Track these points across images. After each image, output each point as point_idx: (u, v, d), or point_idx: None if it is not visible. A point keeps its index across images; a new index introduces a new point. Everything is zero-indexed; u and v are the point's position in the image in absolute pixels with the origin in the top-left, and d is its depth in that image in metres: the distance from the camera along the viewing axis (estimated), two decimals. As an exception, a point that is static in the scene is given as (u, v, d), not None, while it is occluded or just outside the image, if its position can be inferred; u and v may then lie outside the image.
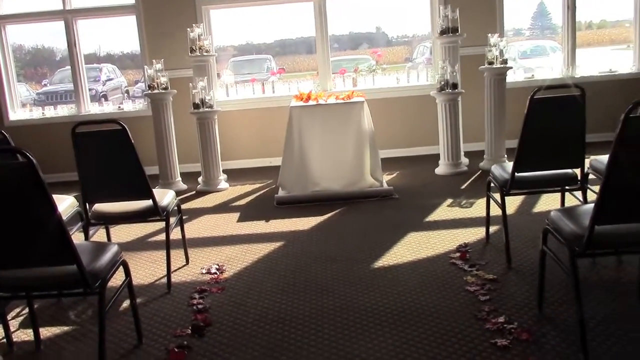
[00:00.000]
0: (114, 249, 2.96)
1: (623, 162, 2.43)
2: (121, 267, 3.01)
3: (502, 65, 6.38)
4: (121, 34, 9.11)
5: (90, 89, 9.97)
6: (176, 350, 3.02)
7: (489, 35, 6.49)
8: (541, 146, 3.65)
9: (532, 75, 7.71)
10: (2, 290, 2.75)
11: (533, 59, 9.85)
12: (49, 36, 9.04)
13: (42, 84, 11.07)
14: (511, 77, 7.16)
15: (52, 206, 2.46)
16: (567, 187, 3.97)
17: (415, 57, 10.16)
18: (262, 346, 3.03)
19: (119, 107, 7.86)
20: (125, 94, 12.44)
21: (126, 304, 3.60)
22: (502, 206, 3.88)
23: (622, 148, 2.39)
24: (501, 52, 6.41)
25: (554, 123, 3.61)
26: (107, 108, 7.87)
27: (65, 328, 3.40)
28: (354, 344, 2.98)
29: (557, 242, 2.88)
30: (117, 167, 3.70)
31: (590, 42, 10.67)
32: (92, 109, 7.74)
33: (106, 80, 12.27)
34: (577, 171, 3.85)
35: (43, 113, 7.69)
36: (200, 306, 3.54)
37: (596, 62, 8.08)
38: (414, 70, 7.96)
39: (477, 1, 7.15)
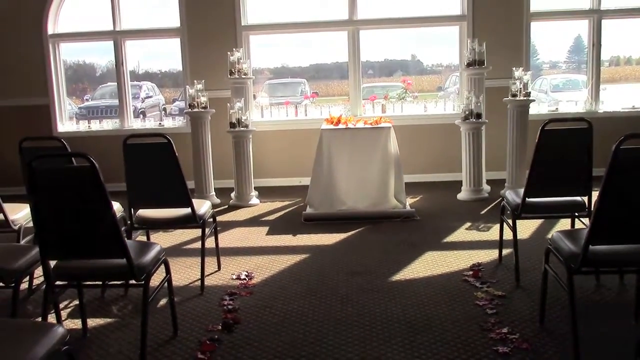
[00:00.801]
0: (157, 247, 3.34)
1: (614, 188, 2.71)
2: (162, 265, 3.37)
3: (525, 98, 6.67)
4: (160, 54, 9.60)
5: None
6: (208, 342, 3.37)
7: (514, 68, 6.79)
8: (551, 174, 3.94)
9: (556, 108, 7.97)
10: (59, 279, 3.12)
11: (565, 93, 10.05)
12: (90, 53, 9.46)
13: (84, 99, 11.64)
14: (535, 110, 7.44)
15: (109, 205, 2.83)
16: (576, 214, 4.23)
17: (447, 86, 10.46)
18: (285, 343, 3.35)
19: (160, 123, 8.33)
20: (163, 112, 12.96)
21: (163, 302, 3.96)
22: (514, 228, 4.16)
23: (614, 175, 2.68)
24: (525, 85, 6.70)
25: (563, 153, 3.89)
26: (148, 124, 8.36)
27: (108, 320, 3.77)
28: (368, 346, 3.28)
29: (559, 262, 3.15)
30: (161, 177, 4.08)
31: (628, 78, 10.75)
32: (134, 124, 8.20)
33: (145, 98, 12.79)
34: (586, 199, 4.12)
35: (89, 126, 8.19)
36: (230, 307, 3.88)
37: (624, 98, 8.29)
38: (443, 99, 8.28)
39: (504, 36, 7.47)
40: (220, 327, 3.58)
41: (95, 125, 8.21)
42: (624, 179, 2.69)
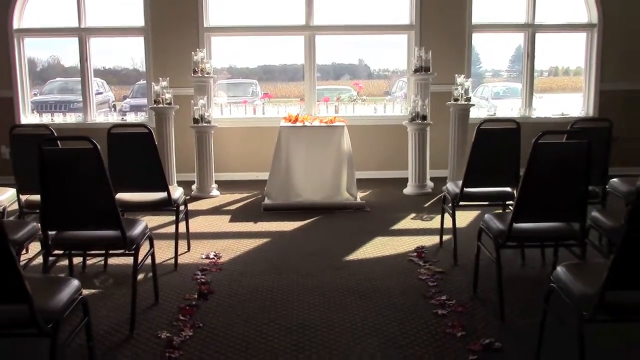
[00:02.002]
0: (143, 223, 3.78)
1: (533, 175, 3.31)
2: (148, 239, 3.81)
3: (465, 102, 7.34)
4: (105, 51, 9.76)
5: (78, 101, 10.78)
6: (187, 307, 3.82)
7: (456, 75, 7.45)
8: (485, 167, 4.55)
9: (494, 113, 8.71)
10: (58, 248, 3.52)
11: (505, 100, 10.81)
12: (30, 48, 9.48)
13: (32, 93, 11.77)
14: (475, 113, 8.12)
15: (108, 183, 3.26)
16: (507, 202, 4.86)
17: (394, 90, 11.06)
18: (256, 308, 3.85)
19: (122, 118, 8.66)
20: (112, 108, 13.18)
21: (141, 276, 4.36)
22: (453, 214, 4.77)
23: (532, 165, 3.29)
24: (466, 90, 7.37)
25: (495, 149, 4.52)
26: (111, 119, 8.67)
27: (92, 290, 4.17)
28: (328, 311, 3.80)
29: (490, 240, 3.75)
30: (142, 163, 4.50)
31: (565, 88, 11.54)
32: (97, 118, 8.51)
33: (95, 94, 12.98)
34: (514, 190, 4.74)
35: (52, 119, 8.45)
36: (203, 280, 4.34)
37: (557, 106, 9.08)
38: (391, 103, 8.90)
39: (449, 45, 8.13)
40: (196, 296, 4.03)
41: (58, 118, 8.47)
42: (541, 167, 3.29)
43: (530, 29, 8.41)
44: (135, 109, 10.07)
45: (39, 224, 3.90)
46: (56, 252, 3.59)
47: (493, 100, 10.98)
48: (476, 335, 3.43)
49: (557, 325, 3.05)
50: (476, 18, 8.28)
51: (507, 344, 3.33)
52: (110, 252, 3.74)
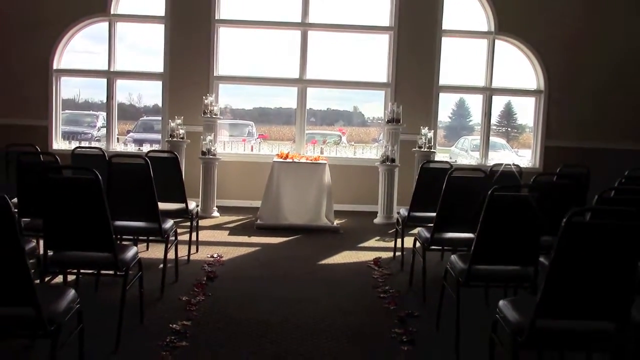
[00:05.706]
0: (171, 221, 5.22)
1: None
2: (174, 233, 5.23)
3: (428, 150, 8.89)
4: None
5: (86, 133, 12.26)
6: (199, 284, 5.25)
7: (421, 127, 9.01)
8: (426, 196, 6.01)
9: (455, 160, 10.26)
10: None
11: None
12: None
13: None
14: (439, 159, 9.66)
15: (153, 189, 4.68)
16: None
17: (380, 138, 12.59)
18: (248, 287, 5.29)
19: (139, 149, 10.16)
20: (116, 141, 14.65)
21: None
22: (402, 234, 6.24)
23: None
24: (429, 140, 8.92)
25: (433, 182, 5.99)
26: (129, 148, 10.17)
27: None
28: (300, 291, 5.25)
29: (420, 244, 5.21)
30: (168, 180, 5.94)
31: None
32: (118, 147, 10.02)
33: (101, 127, 14.46)
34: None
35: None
36: (209, 269, 5.77)
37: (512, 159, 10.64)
38: (369, 147, 10.45)
39: (418, 101, 9.71)
40: (205, 278, 5.47)
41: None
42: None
43: (488, 92, 10.04)
44: (137, 142, 11.42)
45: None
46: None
47: (472, 152, 12.48)
48: (404, 309, 4.87)
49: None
50: (442, 79, 9.90)
51: (423, 313, 4.78)
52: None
